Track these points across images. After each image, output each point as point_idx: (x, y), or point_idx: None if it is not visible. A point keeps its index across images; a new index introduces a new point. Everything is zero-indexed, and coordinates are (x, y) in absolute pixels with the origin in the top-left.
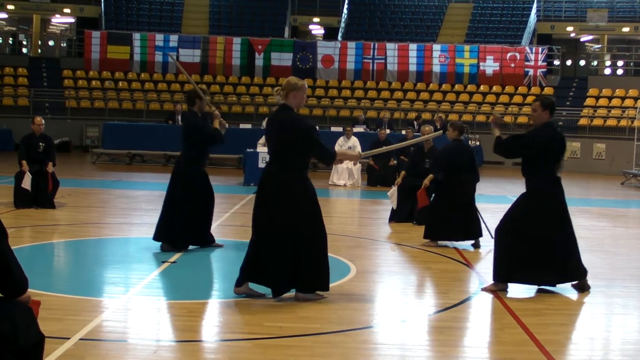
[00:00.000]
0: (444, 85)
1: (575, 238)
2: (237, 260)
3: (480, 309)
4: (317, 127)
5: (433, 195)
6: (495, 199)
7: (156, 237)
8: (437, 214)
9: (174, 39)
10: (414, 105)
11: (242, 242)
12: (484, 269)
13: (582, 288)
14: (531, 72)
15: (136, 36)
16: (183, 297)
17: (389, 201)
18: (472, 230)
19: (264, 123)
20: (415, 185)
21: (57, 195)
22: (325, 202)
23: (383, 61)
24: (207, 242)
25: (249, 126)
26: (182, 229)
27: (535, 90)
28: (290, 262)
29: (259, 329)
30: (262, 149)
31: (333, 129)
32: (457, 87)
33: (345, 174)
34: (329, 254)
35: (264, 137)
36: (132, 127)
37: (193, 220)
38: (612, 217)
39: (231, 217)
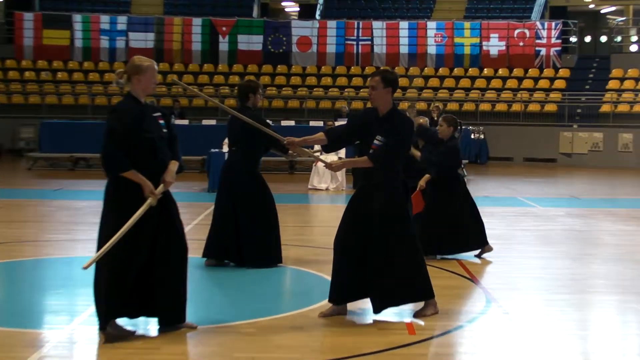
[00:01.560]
0: (441, 69)
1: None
2: (204, 281)
3: (488, 331)
4: (293, 122)
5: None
6: (503, 201)
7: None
8: (431, 226)
9: (122, 20)
10: (406, 93)
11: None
12: (492, 284)
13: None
14: (543, 51)
15: (77, 18)
16: (138, 326)
17: None
18: (474, 240)
19: None
20: (412, 186)
21: None
22: (305, 209)
23: (369, 43)
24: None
25: (213, 122)
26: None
27: (548, 72)
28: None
29: None
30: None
31: (312, 123)
32: (457, 71)
33: (327, 176)
34: (310, 270)
35: None
36: (75, 126)
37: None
38: None
39: (194, 230)
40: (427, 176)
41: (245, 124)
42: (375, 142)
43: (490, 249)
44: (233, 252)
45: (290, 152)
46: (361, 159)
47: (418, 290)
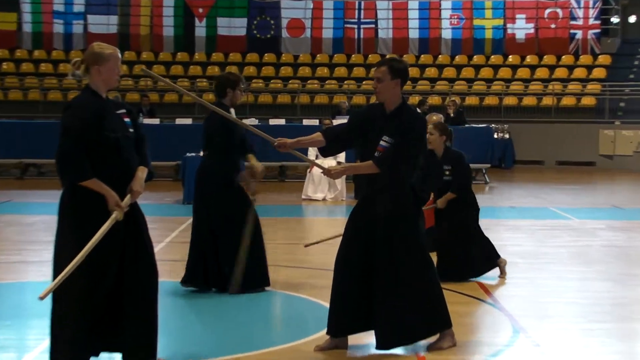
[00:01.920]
0: (457, 57)
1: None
2: (178, 308)
3: None
4: (283, 121)
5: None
6: (532, 213)
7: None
8: (447, 250)
9: (79, 1)
10: (416, 86)
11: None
12: (519, 311)
13: None
14: (579, 34)
15: None
16: None
17: None
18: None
19: None
20: (423, 197)
21: None
22: (297, 224)
23: (373, 26)
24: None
25: (188, 121)
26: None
27: (585, 59)
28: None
29: None
30: None
31: (306, 122)
32: (477, 59)
33: (324, 185)
34: (304, 296)
35: None
36: (24, 126)
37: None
38: None
39: (166, 249)
40: (449, 195)
41: (224, 123)
42: (382, 143)
43: (504, 262)
44: (213, 276)
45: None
46: (365, 164)
47: (432, 319)
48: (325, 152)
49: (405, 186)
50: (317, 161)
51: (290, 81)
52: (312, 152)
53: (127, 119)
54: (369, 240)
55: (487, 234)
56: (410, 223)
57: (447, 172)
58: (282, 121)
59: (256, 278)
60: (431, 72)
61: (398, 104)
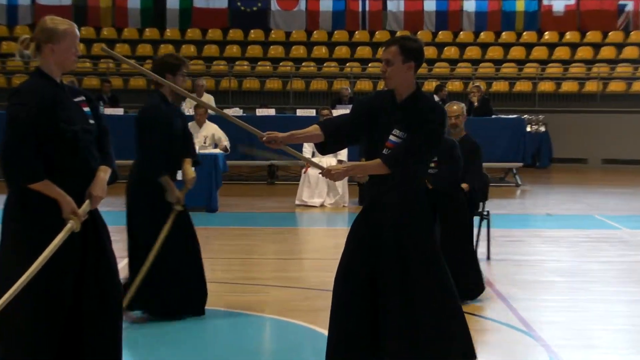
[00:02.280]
0: (482, 34)
1: None
2: (144, 337)
3: None
4: (273, 110)
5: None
6: (572, 222)
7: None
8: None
9: None
10: (433, 69)
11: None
12: (557, 339)
13: None
14: (630, 6)
15: None
16: None
17: None
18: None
19: (185, 105)
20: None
21: None
22: (290, 235)
23: None
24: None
25: None
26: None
27: (637, 36)
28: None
29: None
30: None
31: (300, 112)
32: (506, 36)
33: (322, 188)
34: (297, 321)
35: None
36: None
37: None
38: None
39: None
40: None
41: (157, 117)
42: (392, 138)
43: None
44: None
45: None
46: (371, 163)
47: (452, 350)
48: (323, 148)
49: (419, 188)
50: (314, 159)
51: (281, 63)
52: (307, 149)
53: (86, 108)
54: (375, 254)
55: (519, 246)
56: (424, 232)
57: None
58: (271, 111)
59: (192, 302)
60: (451, 52)
61: (411, 92)
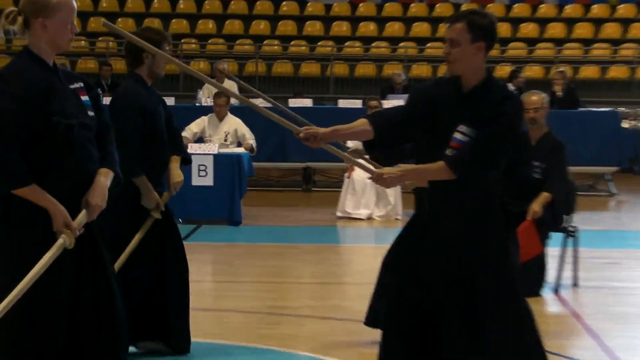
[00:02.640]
0: (568, 7)
1: None
2: None
3: None
4: (310, 101)
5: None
6: None
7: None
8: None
9: None
10: (506, 51)
11: None
12: None
13: None
14: None
15: None
16: None
17: None
18: None
19: (202, 93)
20: (516, 213)
21: None
22: (330, 254)
23: None
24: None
25: (170, 101)
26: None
27: None
28: None
29: None
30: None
31: (343, 103)
32: (597, 10)
33: (370, 197)
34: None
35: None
36: None
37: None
38: None
39: None
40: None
41: (131, 106)
42: (457, 136)
43: None
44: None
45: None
46: (433, 166)
47: None
48: (372, 147)
49: (492, 198)
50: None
51: (319, 43)
52: (351, 147)
53: (84, 97)
54: (434, 283)
55: (614, 270)
56: (497, 255)
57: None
58: (307, 101)
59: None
60: (529, 29)
61: (481, 79)
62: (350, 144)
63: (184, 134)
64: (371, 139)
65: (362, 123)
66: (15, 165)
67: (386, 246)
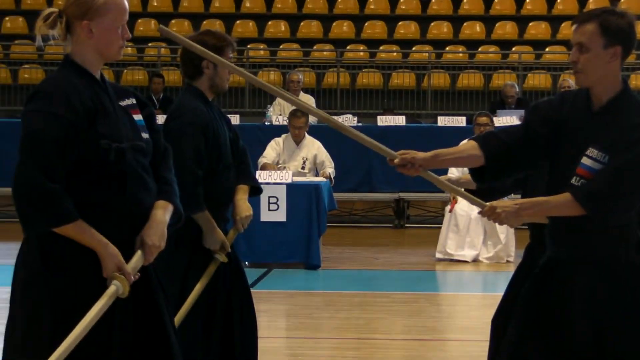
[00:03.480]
0: None
1: None
2: None
3: None
4: (403, 119)
5: None
6: None
7: None
8: None
9: None
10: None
11: None
12: None
13: None
14: None
15: None
16: None
17: None
18: None
19: (272, 110)
20: None
21: None
22: (429, 303)
23: None
24: None
25: (236, 120)
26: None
27: None
28: None
29: None
30: None
31: (443, 121)
32: None
33: (477, 235)
34: None
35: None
36: None
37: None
38: None
39: None
40: None
41: (184, 127)
42: (586, 162)
43: None
44: None
45: None
46: (557, 199)
47: None
48: (482, 176)
49: (631, 238)
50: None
51: (414, 47)
52: (455, 176)
53: (137, 116)
54: (559, 341)
55: None
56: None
57: None
58: (400, 119)
59: None
60: None
61: (616, 92)
62: (455, 172)
63: (262, 159)
64: (480, 166)
65: (471, 147)
66: (58, 198)
67: (496, 294)
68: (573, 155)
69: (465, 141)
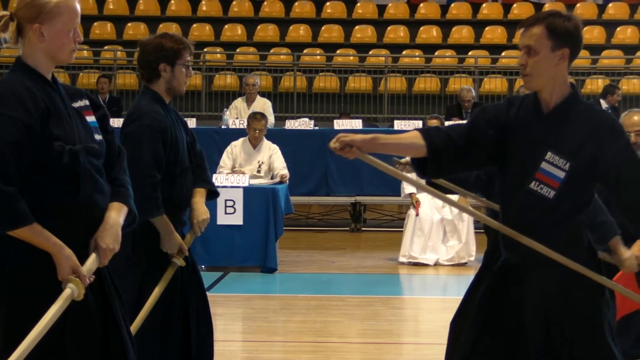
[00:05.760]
0: None
1: None
2: None
3: None
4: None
5: None
6: None
7: None
8: None
9: None
10: (599, 60)
11: None
12: None
13: None
14: None
15: None
16: None
17: None
18: None
19: (229, 114)
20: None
21: None
22: (386, 307)
23: None
24: None
25: (192, 123)
26: None
27: None
28: None
29: None
30: None
31: (400, 124)
32: None
33: (438, 238)
34: None
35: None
36: None
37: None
38: None
39: None
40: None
41: (142, 126)
42: (547, 167)
43: None
44: None
45: None
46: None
47: None
48: (424, 168)
49: (582, 240)
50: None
51: (371, 52)
52: (408, 187)
53: (90, 118)
54: (515, 342)
55: None
56: (593, 310)
57: None
58: (356, 123)
59: None
60: (626, 33)
61: (564, 96)
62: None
63: (219, 170)
64: (422, 157)
65: (412, 135)
66: (12, 201)
67: (456, 298)
68: (525, 158)
69: (411, 131)
